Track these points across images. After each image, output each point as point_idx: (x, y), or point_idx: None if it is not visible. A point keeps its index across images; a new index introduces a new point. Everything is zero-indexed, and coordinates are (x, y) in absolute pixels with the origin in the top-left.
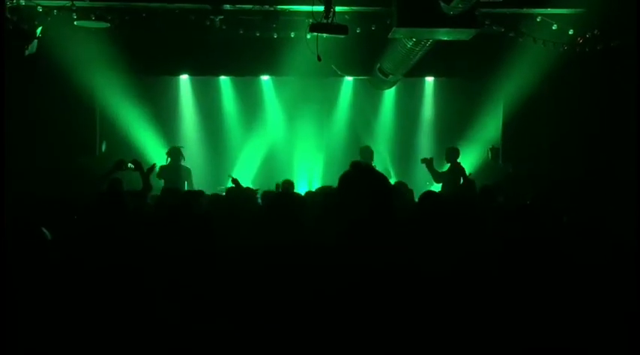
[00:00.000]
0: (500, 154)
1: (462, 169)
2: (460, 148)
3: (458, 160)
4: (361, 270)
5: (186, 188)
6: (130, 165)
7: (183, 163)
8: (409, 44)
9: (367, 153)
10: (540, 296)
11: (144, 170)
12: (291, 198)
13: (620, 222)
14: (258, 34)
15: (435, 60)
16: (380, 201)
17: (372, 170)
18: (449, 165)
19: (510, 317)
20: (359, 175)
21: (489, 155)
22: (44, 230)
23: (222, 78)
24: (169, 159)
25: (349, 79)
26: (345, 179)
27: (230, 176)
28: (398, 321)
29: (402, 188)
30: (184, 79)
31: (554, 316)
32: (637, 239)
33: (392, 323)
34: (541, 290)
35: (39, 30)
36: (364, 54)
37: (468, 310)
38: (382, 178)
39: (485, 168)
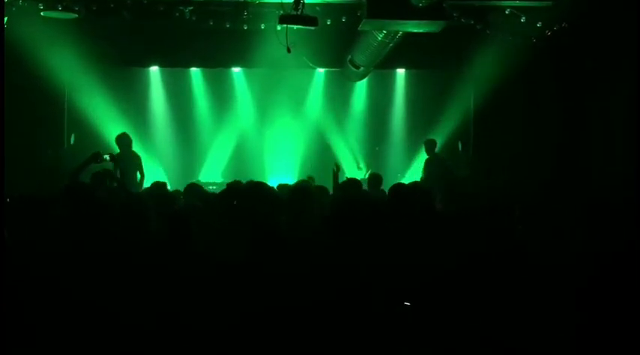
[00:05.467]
0: (471, 145)
1: (442, 159)
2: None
3: (435, 151)
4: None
5: (138, 176)
6: (105, 157)
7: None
8: (380, 36)
9: (431, 145)
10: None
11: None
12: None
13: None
14: (228, 26)
15: (406, 52)
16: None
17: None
18: (428, 156)
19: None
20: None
21: (459, 147)
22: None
23: (193, 69)
24: (119, 147)
25: (320, 70)
26: None
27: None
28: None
29: (376, 179)
30: (154, 70)
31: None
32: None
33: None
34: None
35: (5, 20)
36: (335, 46)
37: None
38: None
39: (456, 159)
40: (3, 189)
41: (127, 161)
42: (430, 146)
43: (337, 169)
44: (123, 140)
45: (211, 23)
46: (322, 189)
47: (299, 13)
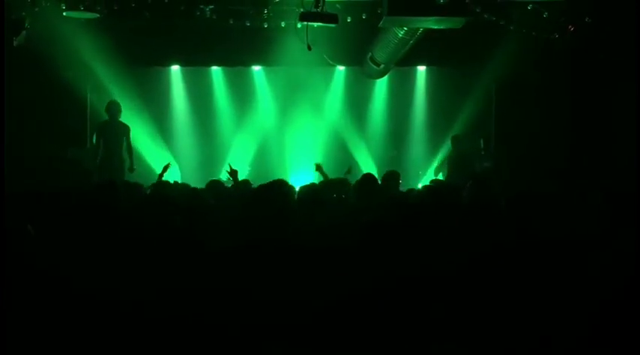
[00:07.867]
0: (493, 142)
1: (466, 155)
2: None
3: (461, 147)
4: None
5: (124, 147)
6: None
7: (121, 119)
8: (400, 33)
9: (457, 141)
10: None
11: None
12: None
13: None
14: (248, 24)
15: (427, 49)
16: None
17: None
18: (453, 152)
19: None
20: None
21: (481, 143)
22: (29, 227)
23: (214, 68)
24: (107, 115)
25: (341, 68)
26: None
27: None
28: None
29: (394, 176)
30: (175, 69)
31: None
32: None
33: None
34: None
35: (27, 21)
36: (356, 43)
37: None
38: None
39: (478, 156)
40: (3, 189)
41: (112, 131)
42: (456, 142)
43: (348, 172)
44: (110, 108)
45: (231, 22)
46: (343, 182)
47: (319, 10)
